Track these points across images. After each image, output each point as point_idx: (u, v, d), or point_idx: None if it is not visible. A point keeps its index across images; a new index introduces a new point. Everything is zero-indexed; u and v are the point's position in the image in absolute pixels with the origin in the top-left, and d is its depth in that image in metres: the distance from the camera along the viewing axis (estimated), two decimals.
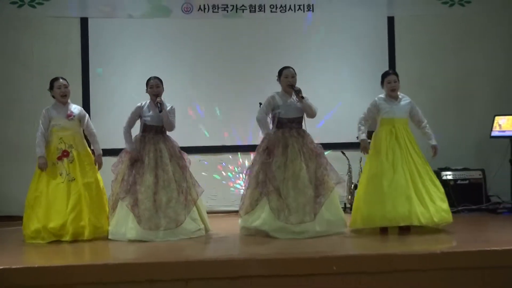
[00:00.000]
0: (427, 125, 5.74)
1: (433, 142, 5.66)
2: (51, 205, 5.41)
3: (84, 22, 7.83)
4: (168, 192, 5.39)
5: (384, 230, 5.43)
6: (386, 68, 7.90)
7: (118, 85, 7.71)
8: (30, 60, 7.66)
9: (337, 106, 7.84)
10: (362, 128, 5.68)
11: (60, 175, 5.50)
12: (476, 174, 7.47)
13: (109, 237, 5.46)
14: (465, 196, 7.22)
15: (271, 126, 5.61)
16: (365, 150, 5.65)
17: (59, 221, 5.34)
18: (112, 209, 5.56)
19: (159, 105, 5.48)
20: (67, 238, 5.32)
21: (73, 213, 5.38)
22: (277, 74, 5.67)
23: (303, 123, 5.63)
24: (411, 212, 5.24)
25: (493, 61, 8.16)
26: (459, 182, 7.36)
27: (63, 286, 4.15)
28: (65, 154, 5.57)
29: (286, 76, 5.52)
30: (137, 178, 5.44)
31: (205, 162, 7.81)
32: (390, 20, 8.16)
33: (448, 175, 7.32)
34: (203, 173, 7.52)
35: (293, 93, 5.50)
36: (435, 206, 5.36)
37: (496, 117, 7.57)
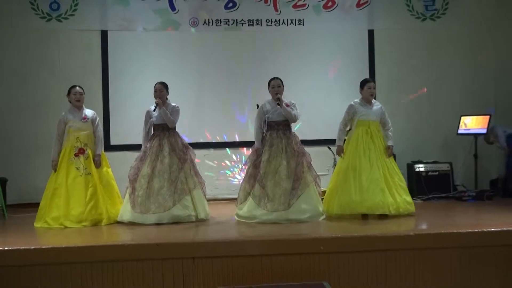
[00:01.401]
0: (391, 127, 5.85)
1: (391, 143, 5.78)
2: (70, 195, 5.46)
3: (104, 34, 7.83)
4: (161, 181, 5.46)
5: (365, 216, 5.47)
6: (367, 74, 7.97)
7: (134, 90, 7.69)
8: (57, 67, 7.66)
9: (324, 107, 7.83)
10: (341, 136, 5.84)
11: (77, 169, 5.55)
12: (445, 167, 7.48)
13: (118, 219, 5.57)
14: (435, 185, 7.25)
15: (265, 128, 5.71)
16: (340, 154, 5.80)
17: (79, 209, 5.39)
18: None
19: (155, 104, 5.65)
20: (87, 224, 5.37)
21: (92, 202, 5.44)
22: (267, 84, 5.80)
23: (291, 126, 5.75)
24: (385, 203, 5.37)
25: (460, 68, 8.18)
26: (430, 173, 7.37)
27: (83, 262, 4.17)
28: (81, 151, 5.62)
29: (273, 86, 5.69)
30: (139, 170, 5.57)
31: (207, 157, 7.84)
32: (371, 33, 8.17)
33: (420, 167, 7.33)
34: (208, 162, 7.70)
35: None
36: (401, 198, 5.49)
37: (462, 117, 7.61)
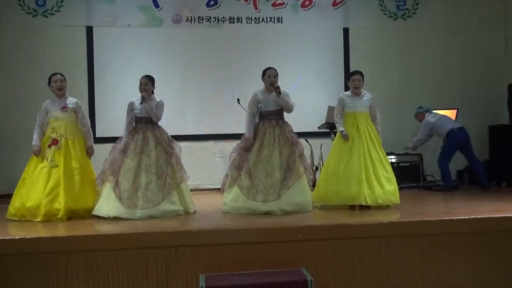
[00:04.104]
0: (379, 122, 5.56)
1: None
2: (32, 187, 5.02)
3: (89, 30, 7.65)
4: (149, 176, 5.06)
5: (352, 207, 5.24)
6: (343, 70, 7.93)
7: (118, 84, 7.52)
8: (43, 62, 7.44)
9: (302, 102, 7.73)
10: (340, 121, 5.48)
11: (46, 160, 5.09)
12: (415, 158, 7.51)
13: (93, 212, 5.06)
14: (406, 176, 7.25)
15: (257, 119, 5.41)
16: (345, 137, 5.39)
17: (35, 201, 4.93)
18: (99, 186, 5.21)
19: (141, 98, 5.25)
20: (39, 218, 4.88)
21: (49, 196, 4.92)
22: (261, 73, 5.44)
23: (283, 115, 5.44)
24: (360, 194, 5.13)
25: (430, 65, 8.21)
26: (401, 164, 7.38)
27: (61, 252, 4.02)
28: (54, 142, 5.14)
29: (269, 76, 5.32)
30: (120, 161, 5.16)
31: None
32: (345, 31, 8.14)
33: (392, 159, 7.30)
34: (191, 154, 7.58)
35: (274, 90, 5.31)
36: (383, 190, 5.21)
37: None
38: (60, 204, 4.94)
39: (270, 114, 5.33)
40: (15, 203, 5.04)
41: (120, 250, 4.04)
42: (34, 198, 4.96)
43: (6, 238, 4.05)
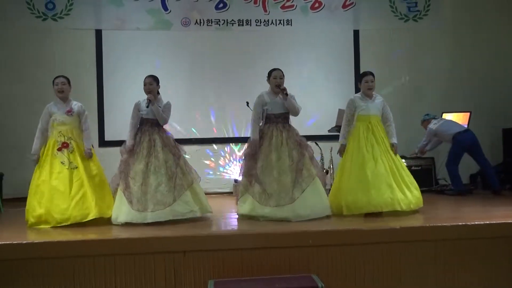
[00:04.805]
0: (393, 124, 5.36)
1: (394, 140, 5.29)
2: (54, 191, 4.85)
3: (98, 33, 7.68)
4: (158, 177, 4.93)
5: (367, 214, 4.99)
6: (353, 72, 7.85)
7: (127, 87, 7.47)
8: (52, 65, 7.43)
9: (311, 105, 7.69)
10: (344, 132, 5.30)
11: (62, 163, 4.95)
12: (427, 162, 7.41)
13: (112, 221, 4.94)
14: (418, 179, 7.06)
15: (263, 121, 5.21)
16: (341, 153, 5.29)
17: (63, 205, 4.79)
18: (113, 192, 5.11)
19: (148, 101, 5.08)
20: (72, 220, 4.77)
21: (77, 196, 4.84)
22: (266, 74, 5.26)
23: (289, 119, 5.23)
24: (394, 199, 4.88)
25: (441, 66, 8.14)
26: (413, 168, 7.25)
27: (68, 257, 3.98)
28: (64, 145, 5.01)
29: (275, 77, 5.13)
30: (130, 166, 5.03)
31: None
32: (356, 33, 8.08)
33: (404, 162, 7.16)
34: (198, 157, 7.55)
35: (280, 92, 5.13)
36: (411, 194, 5.04)
37: (444, 114, 7.48)
38: (89, 204, 4.86)
39: (276, 117, 5.13)
40: (35, 211, 4.86)
41: (128, 255, 3.99)
42: (61, 202, 4.82)
43: (14, 242, 4.00)
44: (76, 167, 4.99)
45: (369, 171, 4.98)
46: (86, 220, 4.82)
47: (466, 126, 7.24)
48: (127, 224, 4.81)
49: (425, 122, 7.20)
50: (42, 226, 4.81)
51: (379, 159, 5.05)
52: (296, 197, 4.80)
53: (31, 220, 4.87)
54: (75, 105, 5.25)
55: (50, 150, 5.05)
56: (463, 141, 6.74)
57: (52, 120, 5.15)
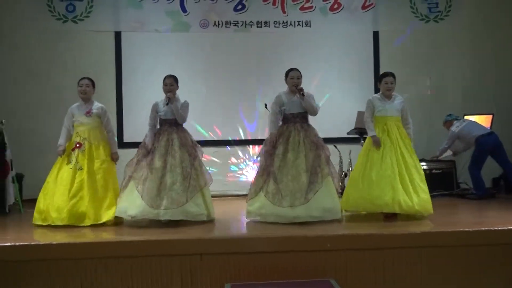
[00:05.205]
0: (411, 126, 5.29)
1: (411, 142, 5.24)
2: (56, 190, 4.96)
3: (117, 35, 7.72)
4: (174, 176, 4.95)
5: (387, 217, 4.97)
6: (372, 74, 7.75)
7: (146, 89, 7.46)
8: (72, 67, 7.47)
9: (330, 107, 7.62)
10: (370, 125, 5.21)
11: (70, 162, 5.04)
12: (448, 165, 7.26)
13: (116, 214, 4.96)
14: (438, 183, 7.00)
15: (281, 121, 5.22)
16: (376, 143, 5.13)
17: (60, 203, 4.86)
18: (123, 190, 5.10)
19: (167, 99, 5.13)
20: (64, 222, 4.80)
21: (75, 199, 4.88)
22: (284, 75, 5.26)
23: (308, 118, 5.22)
24: (394, 201, 4.84)
25: (462, 68, 7.99)
26: (433, 171, 7.15)
27: (91, 258, 3.99)
28: (78, 145, 5.09)
29: (292, 77, 5.13)
30: (147, 162, 5.06)
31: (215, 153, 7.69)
32: (375, 34, 7.98)
33: (424, 165, 7.05)
34: (216, 160, 7.55)
35: (297, 92, 5.12)
36: (418, 198, 4.93)
37: (466, 116, 7.33)
38: (85, 208, 4.88)
39: (294, 117, 5.12)
40: (39, 206, 5.00)
41: (144, 257, 3.99)
42: (58, 201, 4.90)
43: (25, 243, 4.03)
44: (81, 169, 5.03)
45: (375, 172, 4.99)
46: (79, 226, 4.83)
47: (489, 128, 7.07)
48: (140, 226, 4.83)
49: (448, 122, 7.06)
50: (39, 223, 4.91)
51: (388, 159, 5.01)
52: (310, 198, 4.80)
53: (35, 215, 5.00)
54: (96, 106, 5.31)
55: (67, 151, 5.17)
56: (486, 144, 6.61)
57: (73, 121, 5.26)
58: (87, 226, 4.84)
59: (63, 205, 4.87)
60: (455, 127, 6.85)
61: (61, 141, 5.23)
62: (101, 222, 4.92)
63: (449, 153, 6.97)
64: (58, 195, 4.94)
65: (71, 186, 4.97)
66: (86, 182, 4.98)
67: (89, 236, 4.53)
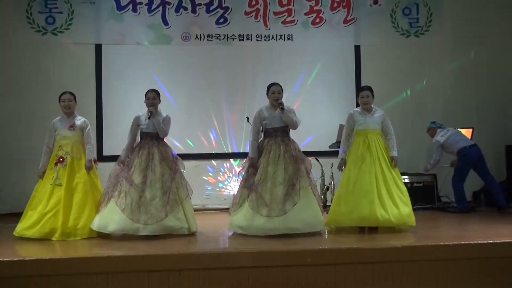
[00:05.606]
0: (393, 137, 5.33)
1: (394, 153, 5.25)
2: (36, 205, 5.05)
3: (98, 47, 7.63)
4: (153, 191, 4.96)
5: (362, 229, 5.06)
6: (354, 88, 7.78)
7: (127, 102, 7.40)
8: (52, 79, 7.40)
9: (312, 121, 7.63)
10: (344, 147, 5.33)
11: (52, 178, 5.09)
12: (429, 178, 7.30)
13: (96, 229, 4.93)
14: (419, 196, 7.02)
15: (262, 136, 5.27)
16: (340, 168, 5.34)
17: (35, 218, 4.94)
18: (100, 206, 5.08)
19: (149, 113, 5.17)
20: (35, 235, 4.87)
21: (49, 214, 4.93)
22: (266, 89, 5.32)
23: (289, 132, 5.26)
24: (371, 215, 4.89)
25: (441, 81, 8.08)
26: (415, 185, 7.17)
27: (70, 274, 3.88)
28: (60, 160, 5.14)
29: (273, 92, 5.18)
30: (126, 177, 5.05)
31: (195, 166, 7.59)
32: (357, 48, 8.03)
33: (405, 179, 7.09)
34: (203, 177, 7.59)
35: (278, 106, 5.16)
36: (398, 211, 4.97)
37: None
38: (57, 224, 4.89)
39: (275, 131, 5.17)
40: (22, 220, 5.07)
41: (121, 273, 3.90)
42: (34, 215, 4.96)
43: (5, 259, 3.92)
44: (60, 185, 5.07)
45: (352, 186, 5.06)
46: (50, 239, 4.86)
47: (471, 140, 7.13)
48: (120, 240, 4.79)
49: (431, 130, 7.10)
50: (20, 234, 4.97)
51: (367, 174, 5.07)
52: (287, 210, 4.82)
53: (17, 228, 5.04)
54: (79, 120, 5.38)
55: (50, 165, 5.20)
56: (469, 156, 6.66)
57: (56, 135, 5.29)
58: (56, 240, 4.84)
59: (37, 220, 4.92)
60: (440, 137, 6.89)
61: (42, 163, 5.28)
62: (71, 239, 4.90)
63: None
64: (37, 209, 5.00)
65: (48, 201, 5.00)
66: (62, 198, 5.00)
67: (62, 251, 4.43)
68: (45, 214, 4.93)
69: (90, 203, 5.12)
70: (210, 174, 7.73)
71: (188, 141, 7.65)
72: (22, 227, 5.01)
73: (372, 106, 5.36)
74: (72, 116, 5.37)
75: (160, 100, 5.35)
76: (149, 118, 5.16)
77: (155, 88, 5.44)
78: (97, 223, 4.97)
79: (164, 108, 5.53)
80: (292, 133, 5.34)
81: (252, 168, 5.11)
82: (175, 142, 7.25)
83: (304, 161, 5.11)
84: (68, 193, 5.04)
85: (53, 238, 4.86)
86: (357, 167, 5.13)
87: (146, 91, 5.40)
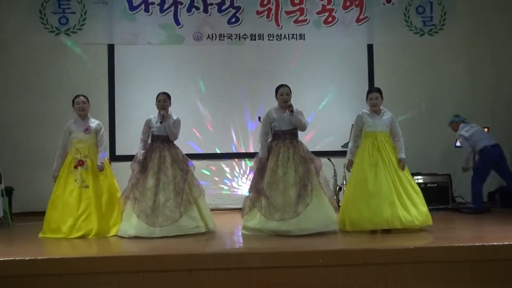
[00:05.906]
0: (401, 139, 5.26)
1: (402, 155, 5.18)
2: (65, 208, 5.15)
3: (110, 48, 7.68)
4: (167, 193, 5.06)
5: (374, 231, 4.96)
6: (366, 87, 7.68)
7: (139, 102, 7.43)
8: (65, 79, 7.48)
9: (324, 120, 7.58)
10: (352, 149, 5.31)
11: (76, 181, 5.22)
12: (443, 179, 7.22)
13: (118, 234, 5.09)
14: (434, 197, 6.92)
15: (271, 138, 5.24)
16: (348, 169, 5.32)
17: (71, 222, 5.06)
18: (122, 205, 5.23)
19: (161, 117, 5.22)
20: (74, 236, 5.03)
21: (83, 216, 5.09)
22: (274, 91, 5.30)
23: (297, 134, 5.24)
24: (394, 217, 4.82)
25: (456, 81, 7.99)
26: (428, 185, 7.08)
27: (81, 273, 3.88)
28: (80, 163, 5.28)
29: (282, 94, 5.17)
30: (140, 181, 5.15)
31: (212, 167, 7.63)
32: (370, 47, 7.97)
33: (419, 179, 7.01)
34: (209, 173, 7.53)
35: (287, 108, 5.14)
36: (417, 210, 4.93)
37: None
38: (93, 225, 5.07)
39: (284, 133, 5.15)
40: (50, 224, 5.17)
41: (132, 272, 3.88)
42: (69, 219, 5.08)
43: (17, 258, 3.93)
44: (87, 186, 5.23)
45: (370, 189, 4.96)
46: (89, 237, 5.04)
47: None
48: (135, 239, 4.86)
49: (454, 124, 6.96)
50: (50, 236, 5.11)
51: (383, 176, 5.00)
52: (300, 211, 4.83)
53: (47, 232, 5.16)
54: (93, 122, 5.49)
55: (67, 167, 5.31)
56: (492, 155, 6.55)
57: (71, 138, 5.41)
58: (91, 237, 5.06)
59: (73, 223, 5.07)
60: (465, 132, 6.75)
61: (56, 165, 5.39)
62: (108, 235, 5.12)
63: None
64: (68, 213, 5.12)
65: (80, 203, 5.15)
66: (93, 199, 5.17)
67: (78, 251, 4.45)
68: (78, 217, 5.09)
69: (117, 203, 5.29)
70: (224, 174, 7.71)
71: (200, 140, 7.64)
72: (52, 231, 5.14)
73: (381, 108, 5.31)
74: (86, 118, 5.48)
75: (170, 103, 5.41)
76: (161, 122, 5.23)
77: (168, 91, 5.46)
78: (120, 227, 5.12)
79: (176, 108, 5.54)
80: (304, 132, 5.31)
81: (260, 168, 5.11)
82: (188, 142, 7.27)
83: (313, 161, 5.09)
84: (96, 194, 5.21)
85: (90, 236, 5.05)
86: (371, 170, 5.04)
87: (158, 90, 5.47)
